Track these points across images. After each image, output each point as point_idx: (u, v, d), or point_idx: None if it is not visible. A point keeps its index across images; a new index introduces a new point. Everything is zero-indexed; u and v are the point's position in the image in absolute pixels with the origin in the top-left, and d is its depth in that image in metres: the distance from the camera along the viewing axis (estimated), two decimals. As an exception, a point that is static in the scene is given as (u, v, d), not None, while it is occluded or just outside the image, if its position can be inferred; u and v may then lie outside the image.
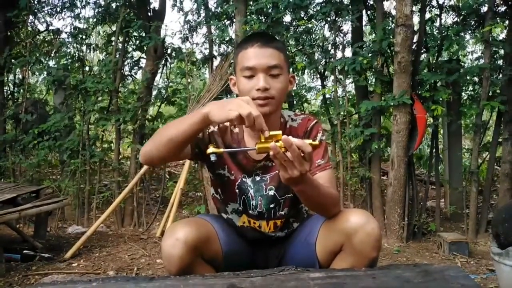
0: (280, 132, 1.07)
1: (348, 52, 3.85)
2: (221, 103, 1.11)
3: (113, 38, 4.31)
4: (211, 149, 1.10)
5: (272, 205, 1.38)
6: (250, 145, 1.36)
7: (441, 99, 3.34)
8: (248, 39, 1.33)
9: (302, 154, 1.05)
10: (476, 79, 3.81)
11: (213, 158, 1.10)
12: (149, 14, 4.36)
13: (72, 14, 4.47)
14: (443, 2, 3.91)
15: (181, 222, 1.25)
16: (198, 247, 1.20)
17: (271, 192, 1.37)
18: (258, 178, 1.37)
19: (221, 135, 1.37)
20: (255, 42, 1.29)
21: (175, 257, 1.17)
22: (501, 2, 3.61)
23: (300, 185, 1.13)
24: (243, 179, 1.38)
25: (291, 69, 3.78)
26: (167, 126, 1.23)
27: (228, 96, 3.88)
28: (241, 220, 1.42)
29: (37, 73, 4.98)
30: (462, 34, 3.79)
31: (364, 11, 3.94)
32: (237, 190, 1.38)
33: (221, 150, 1.12)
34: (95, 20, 4.50)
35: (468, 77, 3.64)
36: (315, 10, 3.81)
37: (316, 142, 1.08)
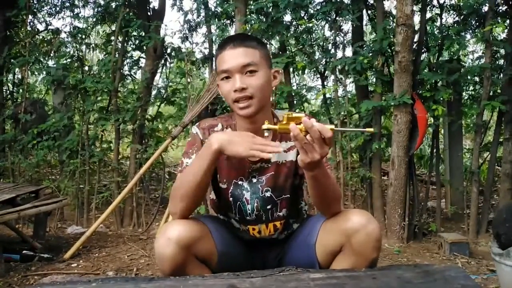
0: (302, 114, 1.07)
1: (349, 52, 3.85)
2: (229, 138, 1.18)
3: (112, 38, 4.30)
4: (266, 125, 1.13)
5: (269, 207, 1.37)
6: None
7: (441, 99, 3.33)
8: (223, 42, 1.33)
9: (322, 137, 1.04)
10: (477, 79, 3.79)
11: (266, 133, 1.15)
12: (148, 13, 4.35)
13: (72, 14, 4.46)
14: (444, 2, 3.89)
15: (174, 221, 1.25)
16: (190, 246, 1.19)
17: (268, 194, 1.36)
18: (254, 180, 1.36)
19: None
20: (228, 44, 1.29)
21: (167, 256, 1.16)
22: (502, 1, 3.60)
23: (316, 170, 1.13)
24: (239, 182, 1.37)
25: (291, 69, 3.83)
26: (183, 179, 1.25)
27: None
28: (240, 227, 1.42)
29: (36, 73, 4.97)
30: (463, 33, 3.78)
31: (364, 11, 3.92)
32: (230, 199, 1.38)
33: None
34: (94, 19, 4.49)
35: (468, 77, 3.63)
36: (315, 9, 3.80)
37: (332, 127, 1.05)
